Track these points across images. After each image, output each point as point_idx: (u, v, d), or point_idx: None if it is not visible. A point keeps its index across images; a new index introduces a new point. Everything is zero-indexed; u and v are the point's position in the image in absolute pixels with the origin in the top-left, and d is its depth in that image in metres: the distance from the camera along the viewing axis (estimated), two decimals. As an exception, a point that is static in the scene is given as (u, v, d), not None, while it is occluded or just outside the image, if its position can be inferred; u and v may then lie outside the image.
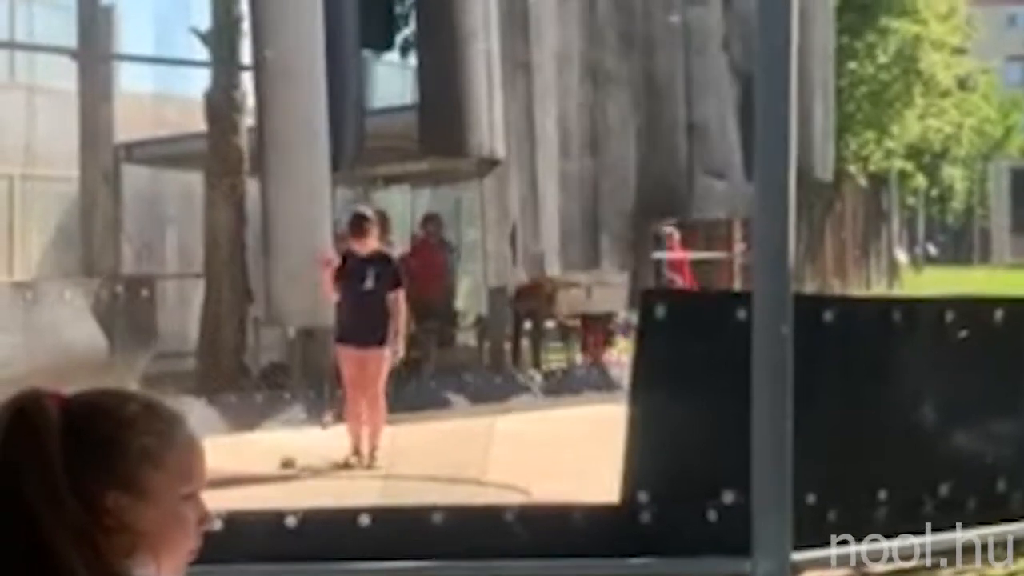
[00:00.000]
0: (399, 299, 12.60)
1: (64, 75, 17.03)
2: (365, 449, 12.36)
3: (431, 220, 19.69)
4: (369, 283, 12.46)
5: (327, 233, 15.17)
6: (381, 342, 12.40)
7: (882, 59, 34.28)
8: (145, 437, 1.98)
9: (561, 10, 17.32)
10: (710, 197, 18.74)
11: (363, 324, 12.39)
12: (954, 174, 60.12)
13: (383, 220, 13.90)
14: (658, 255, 20.71)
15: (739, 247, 24.08)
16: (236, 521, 6.71)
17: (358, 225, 12.86)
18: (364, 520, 7.16)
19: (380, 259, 12.77)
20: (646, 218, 19.00)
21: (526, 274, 17.53)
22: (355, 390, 12.56)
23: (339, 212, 15.88)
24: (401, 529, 7.30)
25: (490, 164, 16.73)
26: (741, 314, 6.71)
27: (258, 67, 15.19)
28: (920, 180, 48.15)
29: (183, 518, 2.01)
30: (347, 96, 15.56)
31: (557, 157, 17.41)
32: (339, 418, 13.47)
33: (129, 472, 1.96)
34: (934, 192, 58.11)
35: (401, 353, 12.75)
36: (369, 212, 13.55)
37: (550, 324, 20.57)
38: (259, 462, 11.93)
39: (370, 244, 12.74)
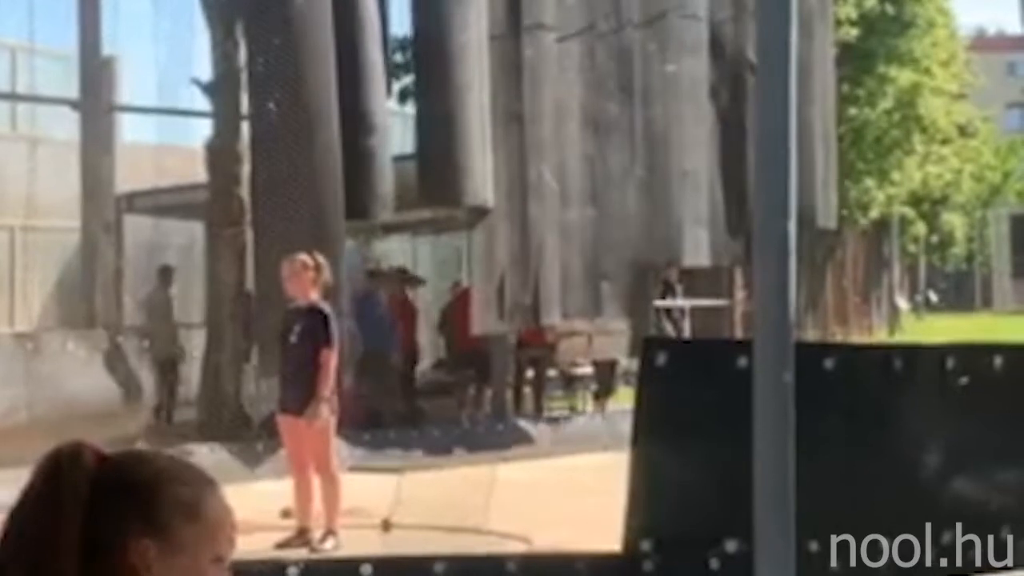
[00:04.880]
0: (326, 358, 10.78)
1: (66, 126, 17.08)
2: (316, 533, 10.85)
3: None
4: (294, 338, 10.90)
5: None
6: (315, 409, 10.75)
7: (882, 106, 34.34)
8: (180, 488, 2.00)
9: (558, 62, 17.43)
10: (700, 246, 18.78)
11: (291, 387, 10.99)
12: (954, 220, 60.16)
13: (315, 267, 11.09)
14: (659, 303, 20.71)
15: (740, 294, 24.09)
16: (238, 570, 6.69)
17: (287, 269, 11.16)
18: (366, 570, 7.13)
19: (311, 311, 10.86)
20: (644, 267, 19.07)
21: (515, 323, 17.49)
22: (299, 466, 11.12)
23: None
24: (403, 578, 7.28)
25: (480, 213, 16.73)
26: (742, 362, 6.70)
27: (257, 117, 15.27)
28: (920, 227, 48.20)
29: None
30: (368, 145, 15.58)
31: (555, 207, 17.40)
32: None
33: (162, 520, 1.97)
34: (934, 238, 58.11)
35: (318, 419, 10.75)
36: (302, 256, 11.16)
37: (552, 372, 20.55)
38: (259, 511, 11.88)
39: (303, 293, 10.99)
